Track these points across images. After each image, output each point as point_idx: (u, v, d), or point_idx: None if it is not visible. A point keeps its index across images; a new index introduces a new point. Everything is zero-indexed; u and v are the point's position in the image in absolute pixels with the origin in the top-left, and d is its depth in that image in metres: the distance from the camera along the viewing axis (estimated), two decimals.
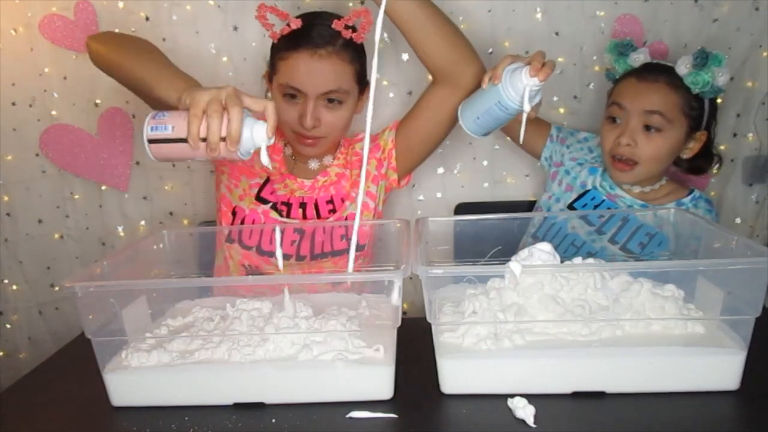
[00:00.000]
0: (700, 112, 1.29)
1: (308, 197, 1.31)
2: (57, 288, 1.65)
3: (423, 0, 1.14)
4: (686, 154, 1.32)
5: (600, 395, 0.84)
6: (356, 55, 1.23)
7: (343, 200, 1.31)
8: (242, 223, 1.29)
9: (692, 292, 0.93)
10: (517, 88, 1.02)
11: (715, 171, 1.43)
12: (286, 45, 1.19)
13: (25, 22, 1.51)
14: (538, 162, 1.49)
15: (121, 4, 1.51)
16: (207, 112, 0.87)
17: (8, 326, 1.65)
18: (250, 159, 0.94)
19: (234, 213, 1.30)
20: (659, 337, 0.88)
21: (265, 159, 0.92)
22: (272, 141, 0.90)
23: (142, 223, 1.64)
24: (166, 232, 1.13)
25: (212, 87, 0.90)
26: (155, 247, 1.11)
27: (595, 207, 1.36)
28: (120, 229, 1.64)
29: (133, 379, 0.87)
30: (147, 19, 1.50)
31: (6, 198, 1.60)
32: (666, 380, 0.84)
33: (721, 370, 0.84)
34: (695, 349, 0.85)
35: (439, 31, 1.16)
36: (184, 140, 0.88)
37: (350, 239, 1.22)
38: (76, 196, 1.62)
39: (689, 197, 1.34)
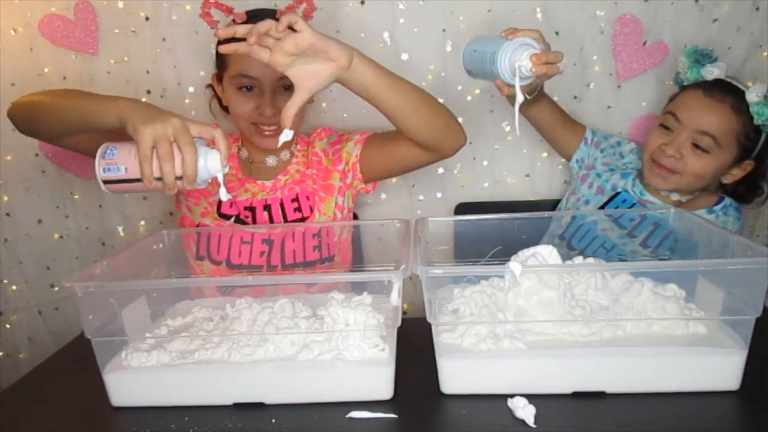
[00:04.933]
0: (754, 143, 1.27)
1: (272, 198, 1.29)
2: (57, 288, 1.65)
3: (399, 84, 1.07)
4: (727, 179, 1.31)
5: (600, 395, 0.84)
6: None
7: (308, 197, 1.29)
8: (208, 237, 1.25)
9: (692, 292, 0.93)
10: (512, 60, 1.00)
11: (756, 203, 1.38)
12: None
13: (24, 22, 1.50)
14: (567, 163, 1.48)
15: (121, 4, 1.51)
16: (158, 154, 0.86)
17: (8, 326, 1.65)
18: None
19: (198, 232, 1.27)
20: (659, 337, 0.88)
21: (223, 194, 0.93)
22: (227, 169, 0.91)
23: (142, 223, 1.64)
24: (166, 232, 1.13)
25: (157, 117, 0.87)
26: (155, 247, 1.11)
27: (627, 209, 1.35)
28: (120, 229, 1.64)
29: (133, 379, 0.87)
30: (147, 19, 1.50)
31: (6, 198, 1.59)
32: (666, 380, 0.84)
33: (721, 370, 0.84)
34: (695, 349, 0.85)
35: (418, 114, 1.09)
36: (139, 180, 0.88)
37: (322, 250, 1.24)
38: (76, 196, 1.62)
39: (720, 205, 1.33)
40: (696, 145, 1.25)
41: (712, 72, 1.28)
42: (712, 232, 0.98)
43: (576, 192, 1.45)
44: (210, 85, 1.39)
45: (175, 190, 0.88)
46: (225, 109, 1.35)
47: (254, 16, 1.17)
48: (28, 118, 1.10)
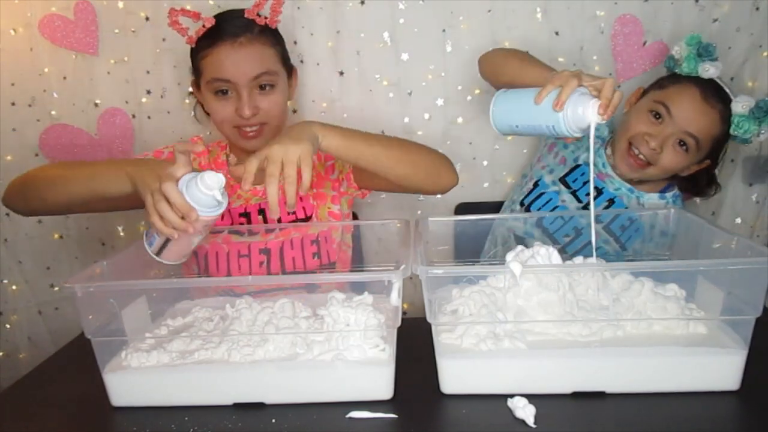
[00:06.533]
0: (721, 146, 1.30)
1: (266, 202, 1.25)
2: (57, 288, 1.65)
3: (375, 144, 1.10)
4: (684, 173, 1.33)
5: (600, 395, 0.84)
6: (275, 39, 1.24)
7: (301, 198, 1.27)
8: (205, 257, 1.24)
9: (692, 292, 0.93)
10: (579, 120, 0.94)
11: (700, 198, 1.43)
12: (205, 43, 1.20)
13: (24, 22, 1.50)
14: None
15: (121, 4, 1.51)
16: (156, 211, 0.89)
17: (8, 326, 1.65)
18: None
19: (194, 251, 1.23)
20: (659, 337, 0.88)
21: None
22: (222, 177, 0.91)
23: (142, 223, 1.64)
24: None
25: (146, 179, 0.93)
26: None
27: (584, 183, 1.36)
28: (120, 229, 1.64)
29: (133, 379, 0.87)
30: (147, 19, 1.50)
31: None
32: (666, 380, 0.84)
33: (721, 370, 0.84)
34: (695, 349, 0.85)
35: (396, 171, 1.12)
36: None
37: (322, 257, 1.24)
38: None
39: (670, 193, 1.35)
40: (680, 143, 1.25)
41: (707, 70, 1.26)
42: (713, 232, 0.98)
43: (542, 159, 1.44)
44: (192, 92, 1.38)
45: (191, 229, 0.89)
46: (209, 114, 1.34)
47: (221, 17, 1.21)
48: (29, 196, 1.11)
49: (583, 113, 0.93)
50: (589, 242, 1.24)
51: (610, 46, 1.49)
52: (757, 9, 1.44)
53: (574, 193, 1.35)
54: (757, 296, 0.82)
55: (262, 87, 1.21)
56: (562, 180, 1.38)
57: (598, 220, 1.26)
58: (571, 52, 1.50)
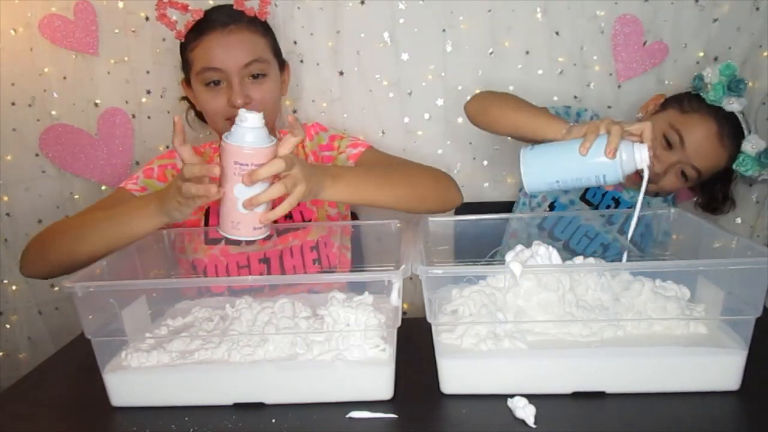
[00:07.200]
0: (721, 175, 1.30)
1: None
2: (57, 288, 1.65)
3: (382, 187, 1.10)
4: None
5: (600, 395, 0.84)
6: (266, 30, 1.24)
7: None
8: (204, 270, 1.22)
9: (692, 292, 0.93)
10: (629, 165, 0.94)
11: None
12: (194, 35, 1.19)
13: (24, 22, 1.51)
14: None
15: (121, 4, 1.51)
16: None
17: (8, 326, 1.65)
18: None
19: (194, 266, 1.23)
20: (659, 337, 0.88)
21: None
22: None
23: None
24: (166, 232, 1.13)
25: (167, 193, 0.96)
26: (155, 247, 1.11)
27: (603, 195, 1.36)
28: None
29: (133, 379, 0.87)
30: (147, 19, 1.51)
31: (6, 198, 1.59)
32: (666, 380, 0.84)
33: (721, 370, 0.84)
34: (696, 349, 0.85)
35: (407, 205, 1.13)
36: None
37: (322, 262, 1.23)
38: (76, 196, 1.62)
39: (670, 195, 1.39)
40: (682, 171, 1.25)
41: (731, 104, 1.23)
42: (713, 232, 0.98)
43: None
44: (184, 98, 1.35)
45: (217, 170, 0.87)
46: (202, 118, 1.32)
47: (212, 12, 1.20)
48: (54, 250, 1.09)
49: (640, 157, 0.93)
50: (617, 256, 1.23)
51: (610, 46, 1.49)
52: (757, 9, 1.44)
53: (596, 207, 1.35)
54: (757, 296, 0.82)
55: (254, 76, 1.19)
56: (583, 199, 1.38)
57: (621, 232, 1.27)
58: (571, 52, 1.50)
